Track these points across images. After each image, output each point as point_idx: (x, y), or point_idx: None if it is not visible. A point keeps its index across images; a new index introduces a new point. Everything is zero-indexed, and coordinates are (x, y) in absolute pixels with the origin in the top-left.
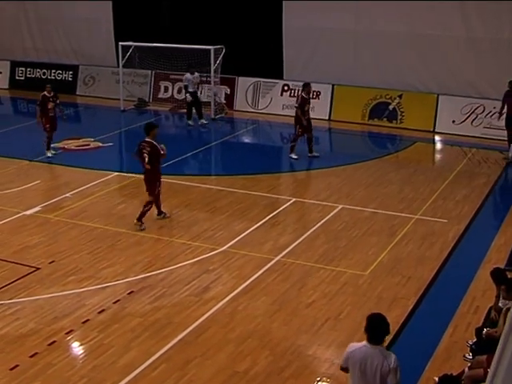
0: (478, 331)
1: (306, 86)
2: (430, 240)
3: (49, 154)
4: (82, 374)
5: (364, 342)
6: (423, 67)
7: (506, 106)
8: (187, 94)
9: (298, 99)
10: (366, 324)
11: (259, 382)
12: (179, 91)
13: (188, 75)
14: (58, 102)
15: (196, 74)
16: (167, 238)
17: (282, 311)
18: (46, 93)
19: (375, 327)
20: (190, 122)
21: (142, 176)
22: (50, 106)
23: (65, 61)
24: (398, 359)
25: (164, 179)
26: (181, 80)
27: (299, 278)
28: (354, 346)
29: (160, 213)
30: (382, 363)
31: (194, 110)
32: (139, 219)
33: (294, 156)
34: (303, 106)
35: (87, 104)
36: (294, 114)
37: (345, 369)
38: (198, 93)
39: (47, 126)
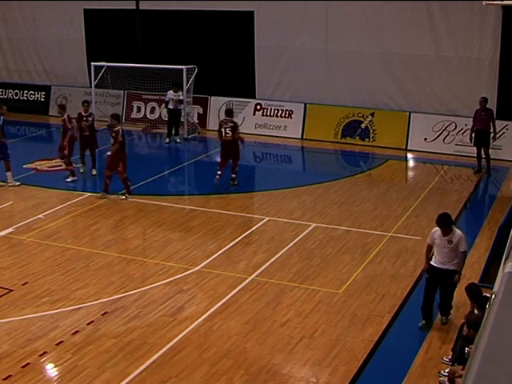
0: (454, 348)
1: (228, 113)
2: (403, 257)
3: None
4: None
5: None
6: (395, 85)
7: (475, 123)
8: (165, 109)
9: None
10: (437, 219)
11: None
12: (152, 111)
13: (170, 92)
14: (90, 119)
15: (179, 92)
16: (141, 259)
17: (257, 330)
18: (82, 112)
19: (443, 220)
20: (167, 140)
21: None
22: (83, 125)
23: (37, 81)
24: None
25: (137, 199)
26: (153, 100)
27: (273, 297)
28: (436, 229)
29: None
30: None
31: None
32: None
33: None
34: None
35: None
36: (267, 134)
37: (429, 246)
38: (182, 111)
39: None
